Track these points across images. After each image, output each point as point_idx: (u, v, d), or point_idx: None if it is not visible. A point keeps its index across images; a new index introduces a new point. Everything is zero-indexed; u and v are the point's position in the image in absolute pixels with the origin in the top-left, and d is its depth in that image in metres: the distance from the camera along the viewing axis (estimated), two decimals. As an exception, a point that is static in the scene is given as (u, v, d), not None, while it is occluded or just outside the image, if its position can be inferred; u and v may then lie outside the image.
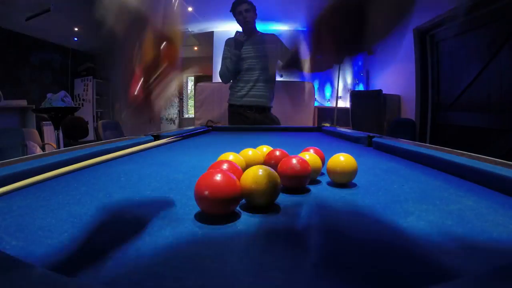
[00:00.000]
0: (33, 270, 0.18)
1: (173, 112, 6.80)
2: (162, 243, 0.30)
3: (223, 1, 4.06)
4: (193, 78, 7.37)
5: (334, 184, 0.54)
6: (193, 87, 7.27)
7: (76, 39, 5.39)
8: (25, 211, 0.39)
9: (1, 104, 3.57)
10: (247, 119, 2.02)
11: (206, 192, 0.35)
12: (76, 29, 4.97)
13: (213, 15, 4.52)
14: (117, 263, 0.25)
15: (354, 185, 0.54)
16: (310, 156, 0.55)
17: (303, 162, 0.48)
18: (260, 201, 0.39)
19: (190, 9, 4.19)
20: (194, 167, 0.71)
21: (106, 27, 0.51)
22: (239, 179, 0.39)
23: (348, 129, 1.84)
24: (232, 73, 2.04)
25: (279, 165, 0.49)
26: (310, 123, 3.14)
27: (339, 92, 4.45)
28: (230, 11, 2.03)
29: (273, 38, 2.05)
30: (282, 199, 0.45)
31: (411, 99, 3.67)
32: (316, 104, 4.41)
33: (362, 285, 0.22)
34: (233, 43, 2.02)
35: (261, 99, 2.02)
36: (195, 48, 6.33)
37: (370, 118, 3.86)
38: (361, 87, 5.05)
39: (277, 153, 0.62)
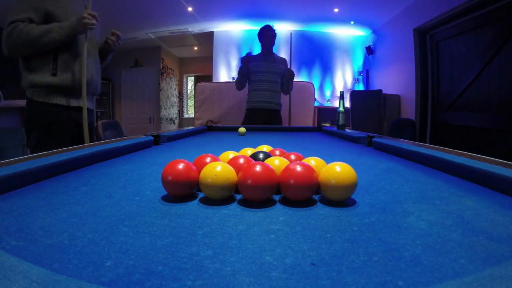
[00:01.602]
0: (33, 270, 0.18)
1: (173, 112, 6.79)
2: (162, 243, 0.30)
3: (223, 1, 4.07)
4: (193, 78, 7.37)
5: (328, 199, 0.44)
6: (193, 87, 7.27)
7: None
8: (25, 211, 0.39)
9: (1, 104, 3.57)
10: (259, 119, 2.45)
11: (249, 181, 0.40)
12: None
13: (213, 15, 4.51)
14: (117, 263, 0.25)
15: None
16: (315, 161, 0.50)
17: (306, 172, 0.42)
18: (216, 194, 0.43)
19: (190, 9, 4.19)
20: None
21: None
22: (196, 177, 0.44)
23: (348, 129, 1.86)
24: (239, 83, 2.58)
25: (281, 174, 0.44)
26: (310, 123, 3.14)
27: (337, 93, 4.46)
28: (258, 33, 2.54)
29: (283, 60, 2.59)
30: (283, 199, 0.45)
31: (411, 99, 3.67)
32: (316, 104, 4.41)
33: (362, 285, 0.22)
34: (245, 60, 2.58)
35: (270, 104, 2.49)
36: (195, 48, 6.33)
37: (370, 118, 3.86)
38: (361, 87, 5.05)
39: (277, 152, 0.63)
